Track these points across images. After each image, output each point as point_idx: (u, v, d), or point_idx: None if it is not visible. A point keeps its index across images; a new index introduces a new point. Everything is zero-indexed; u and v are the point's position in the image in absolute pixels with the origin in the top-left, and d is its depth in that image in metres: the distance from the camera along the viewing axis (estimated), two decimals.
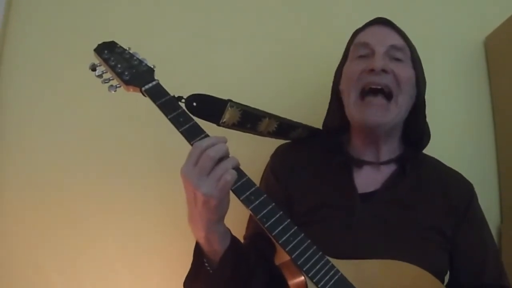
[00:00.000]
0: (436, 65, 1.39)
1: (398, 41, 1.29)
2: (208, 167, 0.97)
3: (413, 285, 1.11)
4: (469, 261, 1.27)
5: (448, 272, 1.27)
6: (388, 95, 1.25)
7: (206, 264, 1.09)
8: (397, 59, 1.27)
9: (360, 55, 1.29)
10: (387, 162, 1.32)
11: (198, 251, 1.10)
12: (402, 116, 1.28)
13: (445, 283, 1.24)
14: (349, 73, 1.30)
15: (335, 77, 1.39)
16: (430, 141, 1.39)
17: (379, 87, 1.24)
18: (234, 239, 1.11)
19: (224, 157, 0.99)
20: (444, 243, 1.24)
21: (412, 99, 1.30)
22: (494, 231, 1.46)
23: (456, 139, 1.75)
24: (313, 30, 1.77)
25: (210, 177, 0.97)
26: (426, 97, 1.35)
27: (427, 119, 1.37)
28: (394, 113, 1.25)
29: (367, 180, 1.30)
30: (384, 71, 1.23)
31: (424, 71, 1.35)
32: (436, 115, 1.39)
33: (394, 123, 1.28)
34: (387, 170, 1.32)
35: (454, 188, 1.31)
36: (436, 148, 1.42)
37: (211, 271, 1.08)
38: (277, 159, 1.40)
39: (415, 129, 1.36)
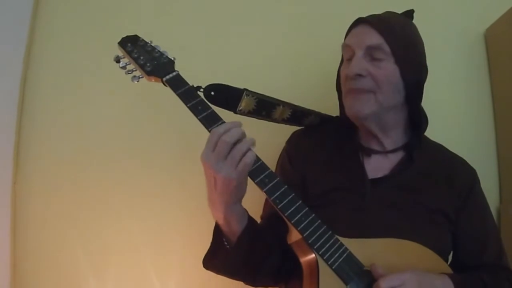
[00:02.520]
0: (437, 57, 1.36)
1: (374, 39, 1.21)
2: (225, 151, 0.97)
3: (418, 263, 1.11)
4: (471, 242, 1.26)
5: (452, 252, 1.27)
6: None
7: (226, 243, 1.10)
8: (377, 59, 1.21)
9: (347, 58, 1.27)
10: (394, 151, 1.30)
11: (217, 231, 1.10)
12: (387, 110, 1.24)
13: (448, 262, 1.22)
14: (340, 76, 1.30)
15: (337, 76, 1.36)
16: (434, 128, 1.36)
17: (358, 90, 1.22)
18: (251, 219, 1.11)
19: (240, 140, 0.99)
20: (448, 225, 1.24)
21: (400, 92, 1.24)
22: (493, 212, 1.45)
23: (458, 126, 1.72)
24: (323, 20, 1.74)
25: (228, 160, 0.97)
26: (428, 88, 1.30)
27: (430, 109, 1.34)
28: (374, 107, 1.21)
29: (376, 166, 1.29)
30: (359, 75, 1.20)
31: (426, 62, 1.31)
32: (438, 104, 1.39)
33: (379, 117, 1.24)
34: (395, 157, 1.30)
35: (458, 174, 1.30)
36: (439, 135, 1.40)
37: (229, 249, 1.09)
38: (292, 144, 1.39)
39: (413, 115, 1.32)
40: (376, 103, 1.21)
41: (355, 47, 1.23)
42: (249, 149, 1.00)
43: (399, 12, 1.33)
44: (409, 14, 1.33)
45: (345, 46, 1.29)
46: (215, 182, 1.00)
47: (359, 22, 1.28)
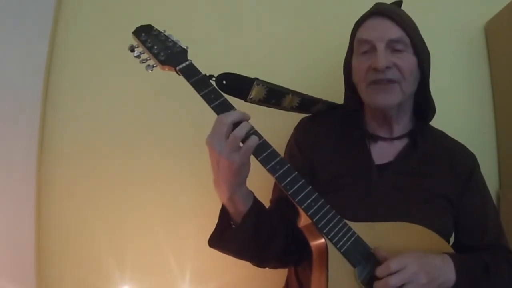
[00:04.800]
0: (438, 50, 1.31)
1: (396, 33, 1.17)
2: (228, 134, 0.97)
3: (421, 244, 1.08)
4: (472, 223, 1.23)
5: (454, 234, 1.24)
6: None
7: (232, 224, 1.07)
8: (398, 51, 1.18)
9: (363, 51, 1.21)
10: (399, 137, 1.27)
11: (223, 212, 1.08)
12: (407, 97, 1.22)
13: (450, 244, 1.20)
14: (357, 70, 1.23)
15: (344, 68, 1.32)
16: (437, 117, 1.32)
17: (385, 81, 1.18)
18: (256, 200, 1.09)
19: (240, 121, 0.99)
20: (450, 208, 1.21)
21: (416, 80, 1.23)
22: (493, 196, 1.41)
23: (459, 116, 1.67)
24: (331, 13, 1.68)
25: (229, 143, 0.96)
26: (430, 79, 1.28)
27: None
28: (400, 96, 1.18)
29: (382, 152, 1.25)
30: (387, 68, 1.16)
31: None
32: (440, 95, 1.31)
33: (401, 103, 1.21)
34: (400, 144, 1.27)
35: (459, 159, 1.27)
36: (442, 124, 1.36)
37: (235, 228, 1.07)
38: (300, 131, 1.35)
39: (422, 103, 1.29)
40: (401, 92, 1.19)
41: (376, 41, 1.18)
42: (251, 133, 0.99)
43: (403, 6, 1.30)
44: (399, 4, 1.30)
45: (360, 41, 1.22)
46: (219, 164, 0.98)
47: (373, 14, 1.22)
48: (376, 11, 1.22)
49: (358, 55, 1.23)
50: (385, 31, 1.18)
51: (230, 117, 0.97)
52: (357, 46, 1.24)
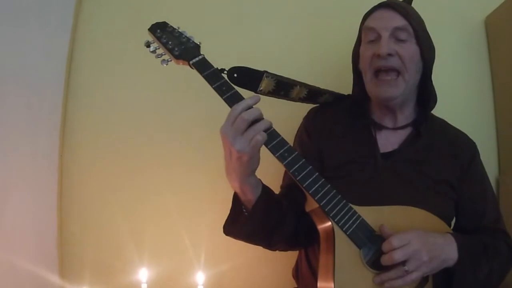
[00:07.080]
0: (438, 43, 1.29)
1: (400, 22, 1.20)
2: (243, 127, 0.96)
3: (423, 226, 1.08)
4: (471, 208, 1.24)
5: (454, 218, 1.25)
6: (398, 71, 1.20)
7: (244, 210, 1.09)
8: (401, 40, 1.19)
9: (369, 40, 1.23)
10: (403, 127, 1.28)
11: (236, 199, 1.10)
12: (410, 88, 1.23)
13: (451, 227, 1.22)
14: (363, 57, 1.25)
15: (353, 57, 1.33)
16: (439, 107, 1.32)
17: (387, 69, 1.19)
18: (265, 188, 1.10)
19: (259, 119, 0.97)
20: (451, 193, 1.22)
21: (419, 70, 1.24)
22: (493, 182, 1.44)
23: (460, 106, 1.66)
24: (338, 9, 1.68)
25: (244, 136, 0.96)
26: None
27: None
28: (402, 87, 1.19)
29: (387, 141, 1.26)
30: (389, 54, 1.18)
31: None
32: (441, 86, 1.32)
33: (404, 95, 1.22)
34: (404, 133, 1.28)
35: (460, 147, 1.28)
36: (443, 113, 1.36)
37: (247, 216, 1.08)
38: (310, 119, 1.36)
39: (425, 92, 1.29)
40: (404, 82, 1.20)
41: (381, 29, 1.20)
42: (263, 127, 0.98)
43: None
44: (409, 1, 1.30)
45: (367, 29, 1.24)
46: (231, 155, 0.98)
47: (380, 6, 1.25)
48: (383, 4, 1.24)
49: (365, 44, 1.25)
50: (389, 20, 1.20)
51: (240, 105, 0.97)
52: (364, 35, 1.26)
